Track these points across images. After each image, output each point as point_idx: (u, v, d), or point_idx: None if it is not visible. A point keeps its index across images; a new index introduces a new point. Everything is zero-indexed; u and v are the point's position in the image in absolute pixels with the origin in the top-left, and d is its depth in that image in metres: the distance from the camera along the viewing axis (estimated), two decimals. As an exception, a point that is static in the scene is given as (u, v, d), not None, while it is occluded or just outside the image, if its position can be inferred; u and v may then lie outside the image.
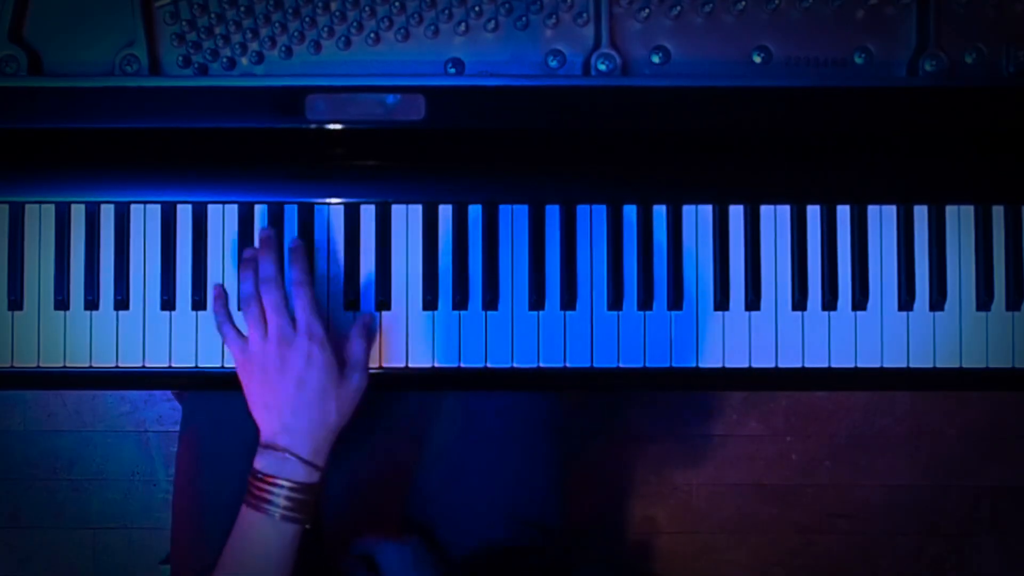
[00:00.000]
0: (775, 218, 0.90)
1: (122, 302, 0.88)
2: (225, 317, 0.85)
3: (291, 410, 0.80)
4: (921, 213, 0.89)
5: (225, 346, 0.85)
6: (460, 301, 0.88)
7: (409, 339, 0.88)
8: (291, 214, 0.89)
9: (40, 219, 0.88)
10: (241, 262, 0.85)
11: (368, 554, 0.90)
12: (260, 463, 0.80)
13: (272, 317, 0.81)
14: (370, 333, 0.86)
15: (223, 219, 0.89)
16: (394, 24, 0.86)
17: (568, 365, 0.89)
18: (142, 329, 0.88)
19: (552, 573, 0.96)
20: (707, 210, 0.90)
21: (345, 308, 0.89)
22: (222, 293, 0.86)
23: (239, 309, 0.87)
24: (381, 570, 0.89)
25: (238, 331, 0.84)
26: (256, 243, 0.86)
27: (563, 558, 0.98)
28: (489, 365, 0.89)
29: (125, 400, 1.56)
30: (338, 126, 0.85)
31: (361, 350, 0.84)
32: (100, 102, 0.84)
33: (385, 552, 0.89)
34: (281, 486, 0.79)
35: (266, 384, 0.81)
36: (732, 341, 0.89)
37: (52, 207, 0.88)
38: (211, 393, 0.98)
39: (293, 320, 0.82)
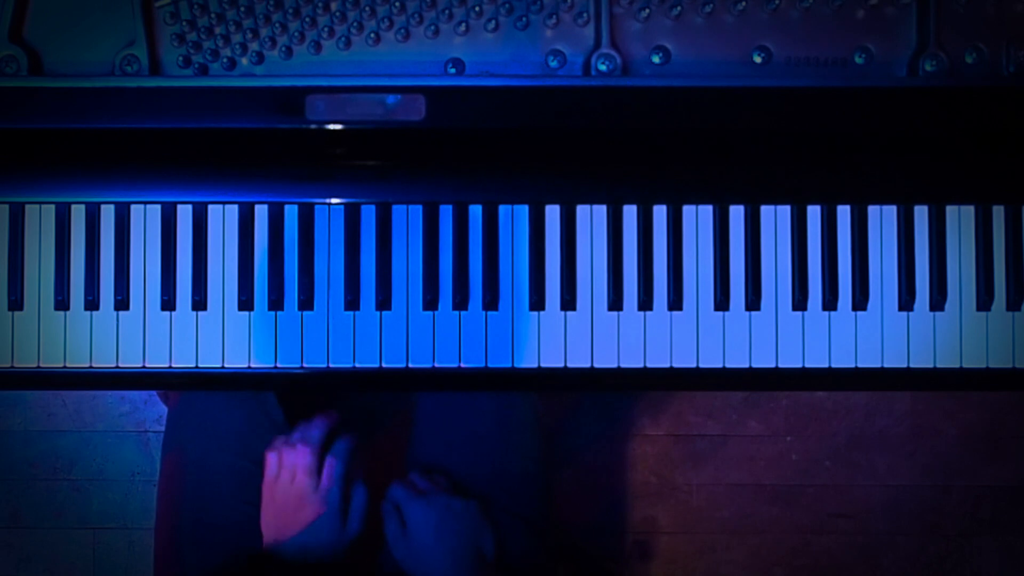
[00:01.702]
0: (775, 218, 0.90)
1: (122, 302, 0.88)
2: (281, 444, 0.94)
3: (290, 541, 0.90)
4: (921, 213, 0.90)
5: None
6: (460, 301, 0.88)
7: (410, 339, 0.88)
8: (291, 214, 0.89)
9: (40, 219, 0.88)
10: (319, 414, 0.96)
11: (397, 504, 0.94)
12: (262, 559, 0.90)
13: (300, 474, 0.91)
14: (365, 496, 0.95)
15: (223, 219, 0.89)
16: (394, 24, 0.86)
17: (568, 365, 0.89)
18: (142, 329, 0.88)
19: (534, 563, 0.96)
20: (707, 210, 0.90)
21: (345, 308, 0.89)
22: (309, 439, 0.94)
23: (239, 310, 0.88)
24: (425, 523, 0.93)
25: (279, 461, 0.93)
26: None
27: (544, 549, 0.98)
28: (489, 365, 0.89)
29: (125, 400, 1.56)
30: (338, 126, 0.85)
31: (361, 502, 0.93)
32: (100, 102, 0.84)
33: (411, 509, 0.93)
34: None
35: (279, 517, 0.91)
36: (732, 341, 0.89)
37: (52, 207, 0.88)
38: (197, 398, 0.98)
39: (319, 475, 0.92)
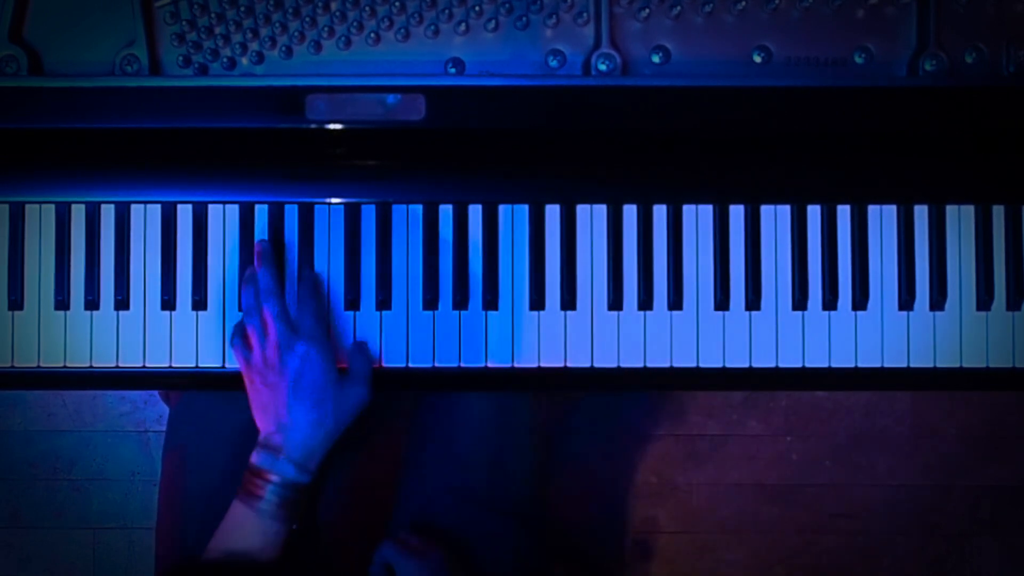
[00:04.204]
0: (775, 218, 0.90)
1: (122, 302, 0.88)
2: (237, 331, 0.86)
3: (287, 409, 0.82)
4: (921, 213, 0.90)
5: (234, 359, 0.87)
6: (460, 301, 0.88)
7: (409, 339, 0.89)
8: (291, 214, 0.89)
9: (40, 219, 0.88)
10: (242, 280, 0.87)
11: (389, 563, 0.90)
12: (255, 457, 0.83)
13: (272, 324, 0.83)
14: (368, 353, 0.88)
15: (223, 219, 0.89)
16: (394, 24, 0.86)
17: (568, 365, 0.89)
18: (142, 329, 0.88)
19: (529, 563, 0.96)
20: (707, 210, 0.90)
21: (345, 308, 0.89)
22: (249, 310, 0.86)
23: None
24: None
25: (245, 343, 0.85)
26: (255, 255, 0.87)
27: (540, 549, 0.98)
28: (489, 365, 0.89)
29: (125, 400, 1.56)
30: (338, 126, 0.85)
31: (361, 364, 0.86)
32: (100, 102, 0.84)
33: (405, 567, 0.88)
34: (272, 482, 0.81)
35: (265, 386, 0.83)
36: (732, 341, 0.89)
37: (52, 207, 0.88)
38: (198, 397, 0.98)
39: (297, 327, 0.84)
